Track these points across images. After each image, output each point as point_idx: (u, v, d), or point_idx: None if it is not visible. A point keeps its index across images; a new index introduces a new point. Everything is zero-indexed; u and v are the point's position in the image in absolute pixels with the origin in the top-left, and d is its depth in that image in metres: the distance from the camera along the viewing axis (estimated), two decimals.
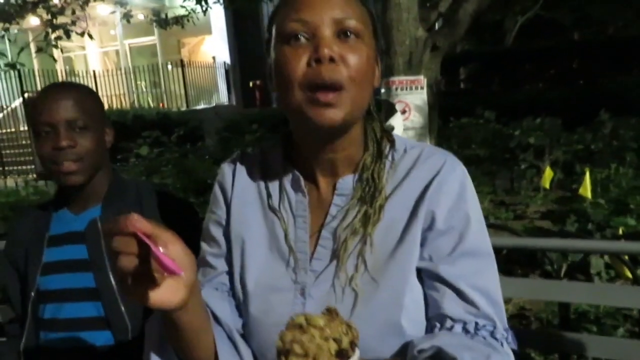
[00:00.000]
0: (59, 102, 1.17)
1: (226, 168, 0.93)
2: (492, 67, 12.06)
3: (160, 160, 5.89)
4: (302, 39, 0.75)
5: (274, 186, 0.88)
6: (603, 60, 11.37)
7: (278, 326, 0.75)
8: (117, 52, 15.84)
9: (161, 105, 13.65)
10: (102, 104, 1.29)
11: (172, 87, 13.51)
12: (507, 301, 1.88)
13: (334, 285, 0.79)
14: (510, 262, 2.69)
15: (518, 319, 2.40)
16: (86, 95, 1.23)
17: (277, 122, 9.39)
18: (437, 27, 3.10)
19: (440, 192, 0.79)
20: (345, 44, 0.76)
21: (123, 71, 13.19)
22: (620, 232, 2.65)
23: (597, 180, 4.17)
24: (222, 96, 14.66)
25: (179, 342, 0.75)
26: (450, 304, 0.76)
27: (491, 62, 12.13)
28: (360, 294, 0.77)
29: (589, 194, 3.17)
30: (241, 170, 0.91)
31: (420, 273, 0.79)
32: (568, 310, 1.68)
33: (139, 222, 0.59)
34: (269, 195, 0.88)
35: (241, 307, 0.85)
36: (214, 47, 14.84)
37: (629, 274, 1.63)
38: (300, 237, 0.84)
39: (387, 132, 0.88)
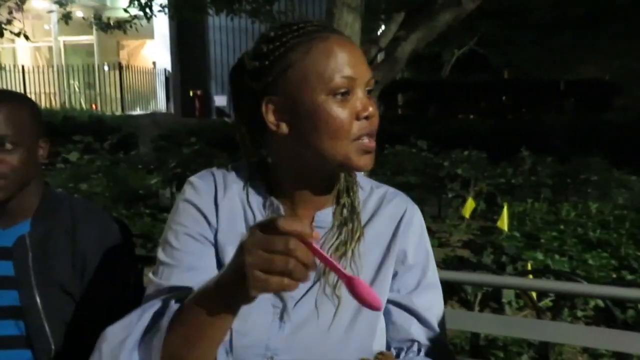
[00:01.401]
0: None
1: (202, 185, 0.90)
2: (429, 96, 12.65)
3: (90, 167, 5.67)
4: (342, 94, 0.81)
5: (256, 210, 0.89)
6: (528, 99, 12.25)
7: (252, 348, 0.81)
8: (50, 48, 15.09)
9: (94, 107, 13.12)
10: (38, 115, 1.21)
11: (107, 89, 13.04)
12: None
13: (316, 308, 0.84)
14: None
15: None
16: (18, 109, 1.14)
17: (216, 135, 9.30)
18: (378, 60, 3.25)
19: (408, 232, 0.91)
20: (370, 99, 0.84)
21: (55, 69, 12.59)
22: (529, 266, 2.88)
23: (514, 213, 4.48)
24: (160, 103, 14.32)
25: (201, 346, 0.72)
26: (417, 331, 0.89)
27: (428, 91, 12.72)
28: (342, 313, 0.84)
29: (505, 227, 3.42)
30: (226, 185, 0.90)
31: (387, 303, 0.89)
32: (478, 338, 1.83)
33: (316, 234, 0.62)
34: (250, 216, 0.89)
35: None
36: (155, 52, 14.52)
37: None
38: None
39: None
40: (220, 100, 14.29)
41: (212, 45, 14.63)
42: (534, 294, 2.33)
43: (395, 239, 0.90)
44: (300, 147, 0.83)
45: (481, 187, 5.61)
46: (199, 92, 13.51)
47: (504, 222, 3.40)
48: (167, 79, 14.19)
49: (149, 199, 5.27)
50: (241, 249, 0.64)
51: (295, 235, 0.60)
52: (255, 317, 0.82)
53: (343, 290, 0.82)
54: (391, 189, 0.96)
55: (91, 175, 5.50)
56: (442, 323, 0.91)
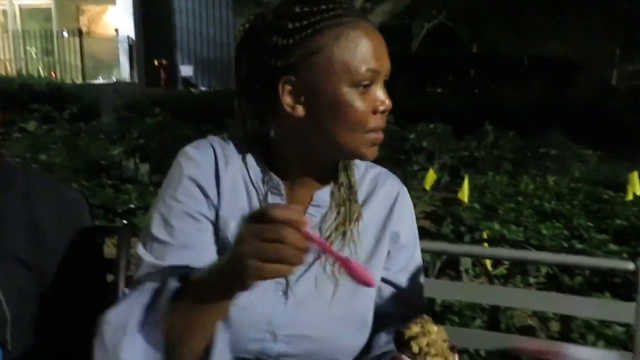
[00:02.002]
0: None
1: (201, 157, 0.87)
2: (398, 70, 12.65)
3: (49, 137, 5.49)
4: (365, 86, 0.81)
5: (256, 186, 0.88)
6: (494, 75, 12.43)
7: (255, 323, 0.82)
8: (4, 12, 14.33)
9: (53, 75, 12.62)
10: None
11: (67, 57, 12.56)
12: None
13: (317, 285, 0.86)
14: None
15: None
16: None
17: (182, 106, 9.12)
18: None
19: (402, 214, 0.94)
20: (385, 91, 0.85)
21: (10, 34, 12.02)
22: (485, 235, 2.99)
23: (476, 186, 4.60)
24: (124, 72, 13.90)
25: (202, 330, 0.72)
26: (401, 308, 0.94)
27: (397, 64, 12.69)
28: (341, 291, 0.86)
29: (465, 198, 3.51)
30: (227, 158, 0.88)
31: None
32: (434, 303, 1.90)
33: (307, 220, 0.64)
34: (251, 191, 0.88)
35: None
36: (117, 19, 14.00)
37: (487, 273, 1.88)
38: None
39: None
40: (187, 70, 13.97)
41: (178, 13, 14.20)
42: (488, 263, 2.43)
43: (390, 220, 0.93)
44: (312, 132, 0.83)
45: (445, 159, 5.73)
46: (164, 62, 13.16)
47: (464, 194, 3.49)
48: (130, 47, 13.74)
49: (112, 170, 5.16)
50: (236, 239, 0.66)
51: (287, 223, 0.62)
52: (258, 292, 0.81)
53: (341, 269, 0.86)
54: (384, 170, 0.98)
55: (50, 146, 5.34)
56: (422, 296, 1.01)
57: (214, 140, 0.90)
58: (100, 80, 12.71)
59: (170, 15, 14.04)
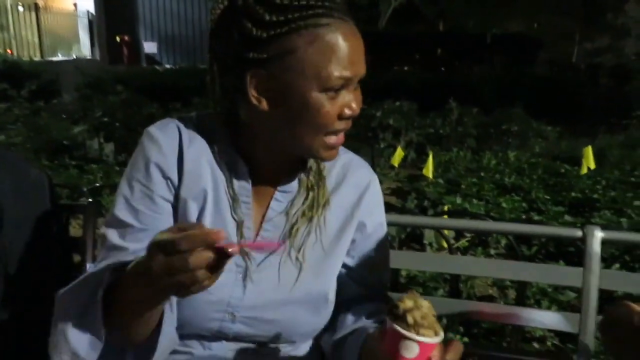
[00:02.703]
0: None
1: (164, 139, 0.86)
2: (365, 47, 12.64)
3: (7, 116, 5.31)
4: (336, 90, 0.79)
5: (222, 167, 0.87)
6: (461, 52, 12.58)
7: (212, 304, 0.83)
8: None
9: (9, 52, 12.09)
10: None
11: (23, 32, 12.02)
12: None
13: (279, 270, 0.86)
14: None
15: None
16: None
17: (146, 83, 8.91)
18: None
19: (370, 204, 0.94)
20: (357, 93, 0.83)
21: None
22: (445, 208, 3.09)
23: (441, 162, 4.71)
24: (84, 49, 13.45)
25: (141, 320, 0.73)
26: (366, 291, 0.95)
27: (364, 42, 12.70)
28: (304, 276, 0.87)
29: (430, 174, 3.61)
30: (190, 138, 0.87)
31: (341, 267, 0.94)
32: (398, 275, 1.97)
33: (220, 234, 0.61)
34: (216, 173, 0.87)
35: None
36: None
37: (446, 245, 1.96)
38: (245, 223, 0.87)
39: None
40: (150, 47, 13.59)
41: None
42: (449, 235, 2.52)
43: (358, 209, 0.93)
44: (275, 127, 0.82)
45: (411, 137, 5.82)
46: (126, 38, 12.75)
47: (429, 170, 3.58)
48: (90, 22, 13.26)
49: (75, 150, 5.04)
50: (149, 272, 0.63)
51: (199, 245, 0.61)
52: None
53: (307, 254, 0.88)
54: (356, 157, 0.97)
55: (9, 126, 5.17)
56: (386, 278, 1.01)
57: (180, 120, 0.88)
58: (59, 58, 12.24)
59: None
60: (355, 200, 0.93)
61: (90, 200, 1.45)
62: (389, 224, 1.04)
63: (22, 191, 1.16)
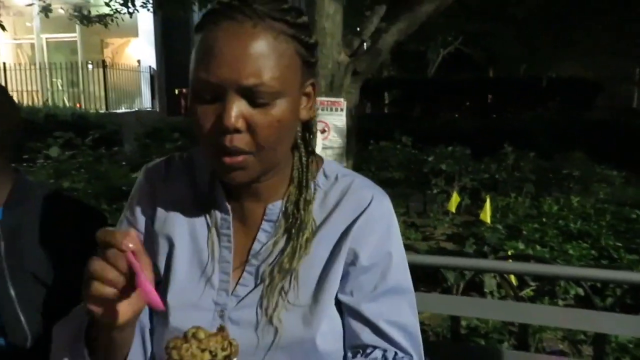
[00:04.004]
0: None
1: (150, 172, 0.87)
2: (414, 95, 12.72)
3: (71, 164, 5.59)
4: (210, 99, 0.70)
5: (202, 198, 0.84)
6: (512, 97, 12.38)
7: None
8: (32, 45, 14.87)
9: (78, 105, 12.96)
10: (7, 100, 1.19)
11: (91, 88, 12.87)
12: None
13: (257, 313, 0.78)
14: (413, 280, 2.86)
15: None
16: None
17: None
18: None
19: (366, 230, 0.80)
20: (256, 109, 0.70)
21: (37, 66, 12.41)
22: (509, 253, 2.91)
23: (497, 207, 4.52)
24: (145, 101, 14.19)
25: (107, 349, 0.72)
26: (369, 337, 0.79)
27: (413, 89, 12.79)
28: (282, 327, 0.76)
29: (488, 219, 3.45)
30: (169, 175, 0.86)
31: (341, 305, 0.80)
32: (458, 324, 1.83)
33: (133, 242, 0.61)
34: (195, 207, 0.83)
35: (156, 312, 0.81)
36: (139, 50, 14.37)
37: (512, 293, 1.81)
38: (224, 257, 0.81)
39: (318, 157, 0.85)
40: None
41: None
42: (514, 282, 2.35)
43: (347, 236, 0.79)
44: None
45: (465, 182, 5.66)
46: (184, 90, 13.35)
47: (486, 215, 3.43)
48: (152, 76, 14.07)
49: None
50: None
51: (108, 246, 0.62)
52: (197, 313, 0.78)
53: (284, 297, 0.77)
54: (359, 180, 0.84)
55: (73, 172, 5.42)
56: (408, 331, 0.81)
57: (175, 155, 0.88)
58: (123, 110, 12.99)
59: (190, 45, 14.35)
60: (345, 226, 0.80)
61: None
62: (446, 268, 0.95)
63: (80, 231, 1.17)
